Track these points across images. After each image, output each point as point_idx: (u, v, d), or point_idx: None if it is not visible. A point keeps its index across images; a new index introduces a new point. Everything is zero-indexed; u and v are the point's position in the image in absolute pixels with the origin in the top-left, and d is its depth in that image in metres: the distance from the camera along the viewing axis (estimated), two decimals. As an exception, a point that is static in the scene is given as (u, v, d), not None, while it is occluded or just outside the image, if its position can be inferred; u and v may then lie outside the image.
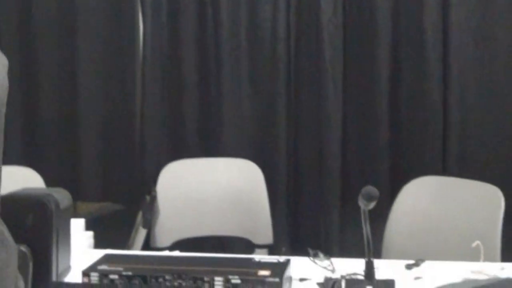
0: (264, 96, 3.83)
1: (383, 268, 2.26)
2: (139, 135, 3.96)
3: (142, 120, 3.93)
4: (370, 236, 2.11)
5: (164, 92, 3.91)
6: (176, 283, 2.05)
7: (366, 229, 2.10)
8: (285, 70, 3.78)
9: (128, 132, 3.96)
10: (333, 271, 2.38)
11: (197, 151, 3.86)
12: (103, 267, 2.14)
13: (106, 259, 2.22)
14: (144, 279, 2.08)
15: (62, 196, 2.29)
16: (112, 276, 2.09)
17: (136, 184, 3.89)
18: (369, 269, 2.13)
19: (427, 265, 2.47)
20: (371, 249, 2.13)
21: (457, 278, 2.30)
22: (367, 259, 2.14)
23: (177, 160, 3.67)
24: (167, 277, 2.06)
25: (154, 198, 3.56)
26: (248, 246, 3.53)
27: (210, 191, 3.59)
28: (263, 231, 3.52)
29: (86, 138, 3.95)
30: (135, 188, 3.89)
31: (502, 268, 2.37)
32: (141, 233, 3.62)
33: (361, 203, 2.07)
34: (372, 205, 2.07)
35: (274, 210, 3.55)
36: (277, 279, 2.02)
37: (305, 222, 3.81)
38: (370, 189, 2.06)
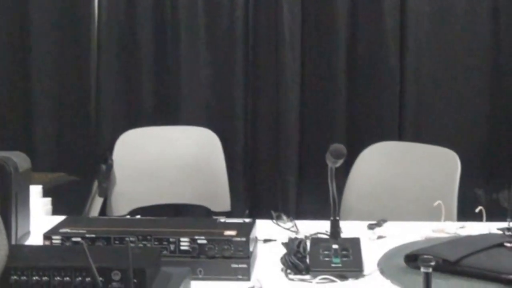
0: (221, 63, 3.80)
1: (345, 229, 2.26)
2: (94, 104, 3.89)
3: (98, 89, 3.86)
4: (335, 195, 2.11)
5: (119, 60, 3.85)
6: (140, 245, 2.02)
7: (332, 187, 2.10)
8: (242, 38, 3.74)
9: (84, 101, 3.89)
10: (297, 232, 2.38)
11: (153, 120, 3.81)
12: (65, 230, 2.09)
13: (67, 222, 2.17)
14: (107, 240, 2.04)
15: (20, 160, 2.23)
16: (74, 239, 2.05)
17: (92, 154, 3.83)
18: (335, 227, 2.14)
19: (389, 225, 2.49)
20: (337, 207, 2.13)
21: (419, 237, 2.32)
22: (332, 218, 2.14)
23: (134, 129, 3.62)
24: (131, 238, 2.02)
25: (110, 167, 3.50)
26: (206, 213, 3.51)
27: (167, 159, 3.55)
28: (221, 199, 3.50)
29: (41, 108, 3.87)
30: (91, 158, 3.82)
31: (462, 227, 2.40)
32: (97, 202, 3.57)
33: (329, 160, 2.07)
34: (340, 162, 2.07)
35: (232, 178, 3.53)
36: (243, 239, 2.01)
37: (263, 189, 3.80)
38: (339, 146, 2.06)
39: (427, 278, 1.79)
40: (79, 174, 3.78)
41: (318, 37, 3.73)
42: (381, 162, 3.22)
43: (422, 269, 1.78)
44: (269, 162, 3.79)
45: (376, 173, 3.20)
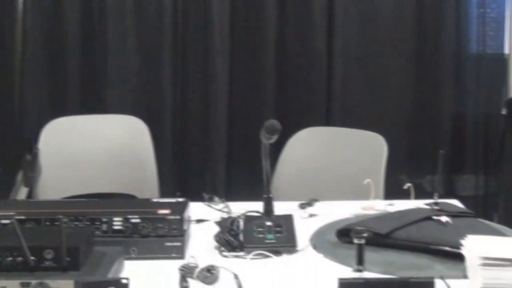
0: (149, 51, 3.76)
1: (277, 210, 2.27)
2: (19, 93, 3.79)
3: (22, 77, 3.76)
4: (269, 172, 2.13)
5: (45, 47, 3.76)
6: (72, 225, 1.98)
7: (266, 164, 2.11)
8: (171, 25, 3.71)
9: (7, 90, 3.79)
10: (229, 212, 2.38)
11: (80, 109, 3.74)
12: (-6, 212, 2.03)
13: (-5, 205, 2.12)
14: (38, 222, 1.99)
15: None
16: (3, 221, 1.99)
17: (16, 144, 3.74)
18: (268, 205, 2.15)
19: (320, 204, 2.52)
20: (270, 184, 2.14)
21: (349, 215, 2.36)
22: (265, 195, 2.15)
23: (60, 118, 3.54)
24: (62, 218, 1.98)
25: (35, 156, 3.42)
26: (134, 203, 3.47)
27: (94, 148, 3.48)
28: (150, 187, 3.45)
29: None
30: (15, 148, 3.73)
31: (391, 204, 2.45)
32: (22, 192, 3.48)
33: (263, 137, 2.08)
34: (274, 138, 2.08)
35: (161, 166, 3.49)
36: (177, 217, 2.00)
37: (192, 176, 3.78)
38: (273, 122, 2.08)
39: (360, 249, 1.83)
40: (2, 165, 3.68)
41: (247, 24, 3.74)
42: (310, 147, 3.26)
43: (355, 241, 1.83)
44: (198, 150, 3.78)
45: (305, 158, 3.23)
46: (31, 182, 3.43)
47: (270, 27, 3.70)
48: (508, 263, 1.66)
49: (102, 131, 3.53)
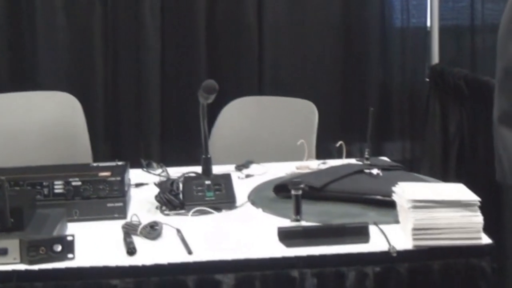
0: (79, 26, 3.73)
1: (214, 171, 2.31)
2: None
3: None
4: (207, 132, 2.18)
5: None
6: (13, 193, 1.99)
7: (204, 124, 2.16)
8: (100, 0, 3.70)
9: None
10: (167, 176, 2.42)
11: (10, 86, 3.69)
12: None
13: None
14: (-22, 188, 1.99)
15: None
16: None
17: None
18: (206, 164, 2.20)
19: (255, 166, 2.59)
20: (208, 145, 2.20)
21: (284, 174, 2.44)
22: (204, 156, 2.21)
23: (-12, 95, 3.50)
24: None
25: (-34, 134, 3.38)
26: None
27: (27, 125, 3.45)
28: (84, 162, 3.46)
29: None
30: None
31: (324, 163, 2.53)
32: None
33: (201, 96, 2.13)
34: (211, 98, 2.13)
35: (94, 141, 3.48)
36: (118, 178, 2.03)
37: (126, 152, 3.78)
38: (210, 82, 2.13)
39: (297, 200, 1.91)
40: None
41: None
42: (243, 116, 3.31)
43: (292, 192, 1.90)
44: (131, 123, 3.78)
45: (239, 127, 3.29)
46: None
47: (200, 1, 3.72)
48: (436, 204, 1.76)
49: (34, 108, 3.50)
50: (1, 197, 1.74)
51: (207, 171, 2.20)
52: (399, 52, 4.03)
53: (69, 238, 1.72)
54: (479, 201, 1.75)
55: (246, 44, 3.75)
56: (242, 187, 2.27)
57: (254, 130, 3.28)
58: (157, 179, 2.38)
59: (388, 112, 3.98)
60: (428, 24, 4.04)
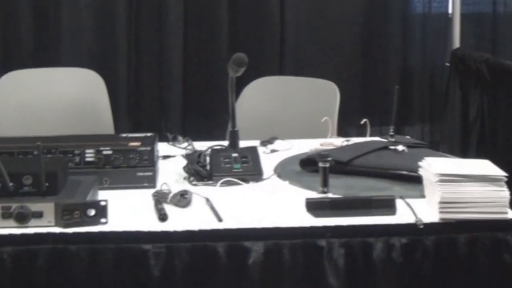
0: (103, 3, 3.77)
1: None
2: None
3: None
4: (234, 105, 2.21)
5: (-3, 2, 3.74)
6: (47, 159, 2.03)
7: (232, 98, 2.19)
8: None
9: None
10: (193, 149, 2.45)
11: (34, 62, 3.73)
12: (-35, 147, 2.07)
13: (-35, 142, 2.16)
14: (11, 155, 2.04)
15: None
16: (-23, 155, 2.03)
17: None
18: (233, 138, 2.24)
19: (280, 142, 2.62)
20: (235, 118, 2.23)
21: (308, 150, 2.47)
22: (231, 129, 2.24)
23: (14, 71, 3.54)
24: (35, 153, 2.03)
25: (-9, 108, 3.42)
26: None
27: (50, 101, 3.49)
28: (106, 139, 3.50)
29: None
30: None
31: (348, 140, 2.56)
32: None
33: (231, 69, 2.16)
34: (241, 71, 2.16)
35: (117, 117, 3.53)
36: (148, 148, 2.07)
37: (148, 128, 3.81)
38: (241, 55, 2.15)
39: (325, 172, 1.94)
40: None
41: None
42: (264, 96, 3.34)
43: (320, 164, 1.94)
44: (153, 101, 3.83)
45: (260, 107, 3.31)
46: (-13, 135, 3.42)
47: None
48: (463, 178, 1.78)
49: (57, 84, 3.54)
50: (37, 161, 1.78)
51: (234, 144, 2.23)
52: (420, 37, 4.06)
53: (103, 203, 1.76)
54: (506, 176, 1.78)
55: (268, 23, 3.78)
56: (267, 161, 2.30)
57: (276, 110, 3.30)
58: (183, 152, 2.41)
59: (408, 95, 4.01)
60: (450, 10, 4.06)
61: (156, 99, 3.83)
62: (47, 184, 1.78)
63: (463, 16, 4.00)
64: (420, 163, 1.92)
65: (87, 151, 2.05)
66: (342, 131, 3.19)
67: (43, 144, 2.04)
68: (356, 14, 3.91)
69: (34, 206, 1.73)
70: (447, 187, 1.77)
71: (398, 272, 1.73)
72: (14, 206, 1.72)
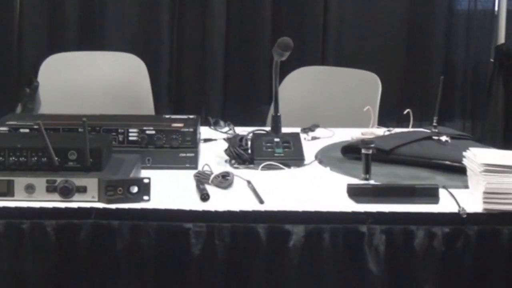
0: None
1: (281, 131, 2.34)
2: (17, 28, 3.81)
3: (21, 12, 3.78)
4: (277, 89, 2.21)
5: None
6: (91, 136, 2.05)
7: (276, 81, 2.18)
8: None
9: (6, 26, 3.81)
10: (234, 134, 2.45)
11: (78, 45, 3.78)
12: (12, 122, 2.10)
13: (12, 117, 2.19)
14: (56, 131, 2.06)
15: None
16: (23, 130, 2.06)
17: (15, 78, 3.77)
18: (276, 122, 2.23)
19: (321, 130, 2.61)
20: (278, 103, 2.22)
21: (350, 138, 2.45)
22: (274, 113, 2.24)
23: (58, 53, 3.58)
24: (80, 129, 2.04)
25: (35, 89, 3.45)
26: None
27: (93, 84, 3.53)
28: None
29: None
30: (14, 82, 3.76)
31: (390, 130, 2.54)
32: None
33: (276, 53, 2.15)
34: (286, 55, 2.15)
35: (158, 102, 3.56)
36: (191, 129, 2.08)
37: (189, 113, 3.83)
38: (286, 39, 2.15)
39: (367, 159, 1.93)
40: (2, 98, 3.71)
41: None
42: (305, 86, 3.33)
43: (363, 151, 1.93)
44: (195, 87, 3.84)
45: (301, 96, 3.30)
46: (31, 114, 3.47)
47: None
48: (508, 169, 1.76)
49: (100, 67, 3.57)
50: (82, 137, 1.80)
51: (276, 128, 2.23)
52: (465, 32, 4.02)
53: (146, 180, 1.77)
54: (552, 169, 1.75)
55: (310, 13, 3.78)
56: (308, 148, 2.29)
57: (317, 100, 3.29)
58: (224, 136, 2.42)
59: (450, 90, 3.97)
60: (496, 7, 4.01)
61: (197, 85, 3.85)
62: (91, 160, 1.80)
63: (509, 13, 3.95)
64: (464, 153, 1.90)
65: (131, 130, 2.07)
66: (382, 124, 3.17)
67: (88, 122, 2.07)
68: (401, 7, 3.88)
69: (79, 181, 1.75)
70: (492, 178, 1.75)
71: (439, 261, 1.72)
72: (59, 180, 1.75)
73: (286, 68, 3.23)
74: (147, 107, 3.48)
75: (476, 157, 1.83)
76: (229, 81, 3.83)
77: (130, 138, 2.07)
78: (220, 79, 3.81)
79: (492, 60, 3.91)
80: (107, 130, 2.07)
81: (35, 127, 2.04)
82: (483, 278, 1.74)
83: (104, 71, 3.56)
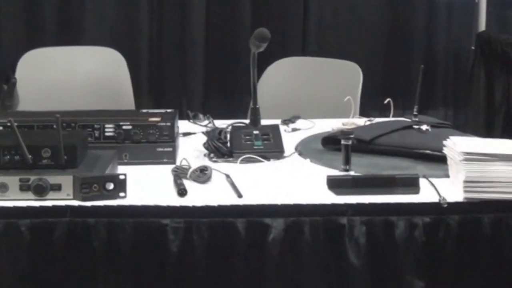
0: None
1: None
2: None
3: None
4: (256, 82, 2.18)
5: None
6: (66, 132, 2.01)
7: (254, 73, 2.16)
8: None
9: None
10: (213, 127, 2.42)
11: (56, 40, 3.73)
12: (-15, 120, 2.06)
13: (-14, 115, 2.14)
14: (31, 128, 2.02)
15: None
16: (-4, 128, 2.02)
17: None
18: (255, 115, 2.20)
19: (302, 121, 2.58)
20: (256, 95, 2.20)
21: (331, 129, 2.43)
22: (252, 106, 2.21)
23: (37, 49, 3.53)
24: (54, 126, 2.01)
25: (13, 85, 3.41)
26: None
27: (71, 79, 3.48)
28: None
29: None
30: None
31: (371, 120, 2.52)
32: None
33: (253, 44, 2.12)
34: (263, 47, 2.12)
35: (138, 97, 3.51)
36: (168, 123, 2.05)
37: (169, 107, 3.80)
38: (263, 30, 2.12)
39: (347, 150, 1.91)
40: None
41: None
42: (286, 77, 3.30)
43: (342, 142, 1.90)
44: (175, 80, 3.80)
45: (282, 87, 3.27)
46: (9, 110, 3.43)
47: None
48: (488, 158, 1.74)
49: (79, 62, 3.53)
50: (56, 134, 1.76)
51: (255, 121, 2.20)
52: (446, 20, 3.99)
53: (121, 177, 1.73)
54: (533, 156, 1.73)
55: (290, 3, 3.74)
56: (289, 140, 2.26)
57: (298, 91, 3.26)
58: (203, 130, 2.38)
59: (432, 79, 3.95)
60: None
61: (178, 79, 3.81)
62: (66, 157, 1.77)
63: (489, 0, 3.94)
64: (445, 142, 1.87)
65: (107, 125, 2.03)
66: (364, 114, 3.15)
67: (63, 118, 2.03)
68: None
69: (53, 179, 1.71)
70: (472, 166, 1.73)
71: (420, 251, 1.70)
72: (32, 178, 1.71)
73: (266, 60, 3.21)
74: (127, 101, 3.44)
75: (456, 145, 1.81)
76: (210, 73, 3.80)
77: (106, 134, 2.03)
78: (201, 72, 3.77)
79: (473, 48, 3.89)
80: (83, 126, 2.03)
81: (8, 124, 1.99)
82: (465, 267, 1.72)
83: (83, 66, 3.51)
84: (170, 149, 2.03)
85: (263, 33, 2.11)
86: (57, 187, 1.70)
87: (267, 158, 2.06)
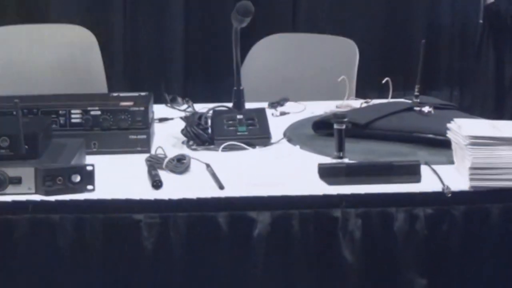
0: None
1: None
2: None
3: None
4: (239, 60, 2.16)
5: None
6: (27, 119, 1.99)
7: (237, 51, 2.14)
8: None
9: None
10: (193, 111, 2.41)
11: (19, 18, 3.70)
12: None
13: None
14: (-10, 116, 2.00)
15: None
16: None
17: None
18: (238, 97, 2.19)
19: (291, 103, 2.57)
20: (240, 75, 2.18)
21: (323, 112, 2.41)
22: (235, 87, 2.19)
23: (-1, 27, 3.50)
24: (14, 113, 1.98)
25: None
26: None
27: (37, 61, 3.44)
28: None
29: None
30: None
31: (367, 101, 2.51)
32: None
33: (235, 19, 2.10)
34: (246, 22, 2.10)
35: (111, 78, 3.48)
36: (142, 108, 2.03)
37: (145, 89, 3.79)
38: (246, 2, 2.09)
39: (340, 135, 1.89)
40: None
41: None
42: (275, 55, 3.29)
43: (335, 126, 1.89)
44: (152, 61, 3.79)
45: (270, 67, 3.26)
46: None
47: None
48: (496, 142, 1.73)
49: (45, 42, 3.50)
50: (15, 121, 1.74)
51: (238, 104, 2.19)
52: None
53: (89, 168, 1.71)
54: (545, 139, 1.72)
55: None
56: (277, 124, 2.25)
57: (288, 70, 3.25)
58: (182, 114, 2.37)
59: (435, 56, 3.94)
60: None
61: (155, 59, 3.79)
62: (26, 147, 1.74)
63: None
64: (448, 125, 1.86)
65: (73, 111, 2.01)
66: (361, 95, 3.15)
67: (23, 104, 2.00)
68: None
69: (12, 171, 1.69)
70: (479, 151, 1.72)
71: (422, 246, 1.69)
72: (-11, 170, 1.68)
73: (254, 36, 3.20)
74: (99, 85, 3.42)
75: (461, 128, 1.80)
76: (190, 52, 3.78)
77: (73, 120, 2.01)
78: (181, 51, 3.75)
79: (481, 21, 3.88)
80: (46, 112, 2.01)
81: (-36, 111, 1.97)
82: (471, 263, 1.71)
83: (50, 46, 3.48)
84: (144, 136, 2.01)
85: (246, 6, 2.08)
86: (17, 180, 1.68)
87: (252, 145, 2.05)
